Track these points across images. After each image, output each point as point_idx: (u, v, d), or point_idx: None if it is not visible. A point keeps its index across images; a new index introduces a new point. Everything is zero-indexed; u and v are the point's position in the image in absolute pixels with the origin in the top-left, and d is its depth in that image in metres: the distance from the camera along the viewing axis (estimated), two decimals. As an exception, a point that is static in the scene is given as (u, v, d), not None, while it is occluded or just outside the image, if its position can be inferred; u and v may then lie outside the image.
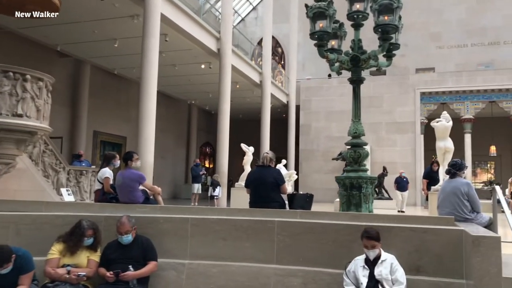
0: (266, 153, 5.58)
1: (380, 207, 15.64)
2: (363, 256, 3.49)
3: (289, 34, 23.69)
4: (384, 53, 6.11)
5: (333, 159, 16.58)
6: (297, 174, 22.56)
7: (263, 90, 18.93)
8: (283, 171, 16.96)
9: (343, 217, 4.35)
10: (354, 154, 5.89)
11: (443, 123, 8.32)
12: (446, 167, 8.88)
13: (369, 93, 21.07)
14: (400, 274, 3.34)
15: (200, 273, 3.87)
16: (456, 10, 22.90)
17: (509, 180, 12.70)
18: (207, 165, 26.03)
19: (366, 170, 5.91)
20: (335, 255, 3.71)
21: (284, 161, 16.94)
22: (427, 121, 20.36)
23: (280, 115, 23.72)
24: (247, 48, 22.96)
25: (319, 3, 5.62)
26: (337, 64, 6.26)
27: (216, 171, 14.88)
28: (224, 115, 14.76)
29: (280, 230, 3.86)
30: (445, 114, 8.57)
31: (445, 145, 8.19)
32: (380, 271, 3.35)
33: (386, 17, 5.52)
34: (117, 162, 5.72)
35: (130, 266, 3.66)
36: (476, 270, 2.95)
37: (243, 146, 12.06)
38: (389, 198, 16.47)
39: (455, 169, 4.48)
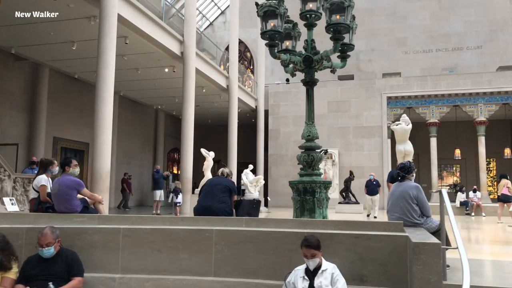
0: (224, 168, 5.55)
1: (346, 212, 15.62)
2: (303, 266, 3.27)
3: (257, 39, 23.55)
4: (339, 54, 5.97)
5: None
6: (266, 179, 22.42)
7: (230, 95, 18.68)
8: (250, 176, 16.74)
9: (290, 224, 4.12)
10: (308, 158, 5.70)
11: (403, 126, 8.24)
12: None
13: (336, 98, 21.21)
14: (341, 284, 3.13)
15: (131, 288, 3.56)
16: (421, 16, 23.33)
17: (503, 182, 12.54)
18: (175, 171, 25.53)
19: (320, 174, 5.72)
20: (276, 266, 3.47)
21: (251, 166, 16.70)
22: (393, 125, 20.57)
23: (249, 120, 23.54)
24: (216, 53, 22.74)
25: (270, 1, 5.41)
26: (291, 66, 6.08)
27: (179, 178, 14.50)
28: (188, 119, 14.40)
29: (218, 239, 3.60)
30: (404, 117, 8.51)
31: (404, 148, 8.11)
32: (320, 282, 3.13)
33: (338, 17, 5.36)
34: (55, 169, 5.34)
35: (50, 283, 3.32)
36: (417, 279, 2.76)
37: (203, 151, 11.76)
38: (356, 202, 16.45)
39: (403, 172, 4.32)
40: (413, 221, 4.09)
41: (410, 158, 8.04)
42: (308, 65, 5.79)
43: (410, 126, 8.30)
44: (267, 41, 5.60)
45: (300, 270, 3.27)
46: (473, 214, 15.27)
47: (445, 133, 20.50)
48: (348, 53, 6.04)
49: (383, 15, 23.80)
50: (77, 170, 5.05)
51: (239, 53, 25.92)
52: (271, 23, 5.55)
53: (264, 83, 23.16)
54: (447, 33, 22.95)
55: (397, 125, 8.48)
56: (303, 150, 5.82)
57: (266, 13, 5.49)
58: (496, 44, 21.82)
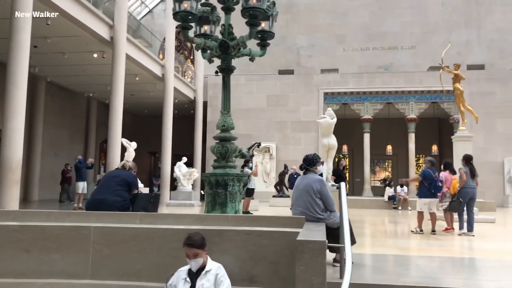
0: (127, 161, 5.14)
1: (280, 205, 15.57)
2: (187, 267, 2.96)
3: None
4: (258, 41, 5.72)
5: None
6: (204, 171, 21.98)
7: (166, 84, 18.04)
8: (183, 169, 16.28)
9: (188, 219, 3.81)
10: (222, 149, 5.40)
11: (327, 120, 8.18)
12: (330, 164, 8.85)
13: (275, 92, 21.17)
14: (225, 286, 2.85)
15: (-10, 295, 3.08)
16: (360, 14, 23.77)
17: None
18: (109, 163, 24.40)
19: (234, 167, 5.44)
20: (160, 266, 3.14)
21: (184, 159, 16.24)
22: (330, 120, 20.86)
23: (187, 111, 22.99)
24: (153, 41, 21.86)
25: (182, -20, 5.03)
26: (209, 52, 5.74)
27: (106, 170, 13.75)
28: (117, 107, 13.66)
29: (97, 238, 3.20)
30: (329, 111, 8.46)
31: (328, 142, 8.06)
32: (202, 284, 2.84)
33: (254, 1, 5.08)
34: None
35: None
36: (300, 280, 2.53)
37: (124, 141, 11.17)
38: (289, 196, 16.45)
39: (306, 164, 4.14)
40: (316, 216, 3.91)
41: (334, 152, 8.01)
42: (224, 51, 5.48)
43: (335, 120, 8.26)
44: (180, 23, 5.23)
45: (183, 271, 2.96)
46: (400, 208, 15.76)
47: (378, 130, 21.09)
48: (269, 41, 5.79)
49: (323, 11, 24.02)
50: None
51: (179, 42, 25.15)
52: (185, 4, 5.20)
53: (204, 74, 22.66)
54: (384, 32, 23.57)
55: (321, 119, 8.40)
56: (218, 141, 5.52)
57: (179, -7, 5.11)
58: (428, 45, 22.69)
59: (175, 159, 18.30)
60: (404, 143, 20.86)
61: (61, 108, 20.38)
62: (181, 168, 15.47)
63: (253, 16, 5.14)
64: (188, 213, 3.94)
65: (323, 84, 20.71)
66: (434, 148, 20.58)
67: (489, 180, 18.59)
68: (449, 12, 22.91)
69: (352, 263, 4.26)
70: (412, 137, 20.16)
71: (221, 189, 5.19)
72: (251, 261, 3.05)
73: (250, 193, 12.56)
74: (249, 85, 21.55)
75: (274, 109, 21.16)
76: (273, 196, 16.78)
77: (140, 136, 26.17)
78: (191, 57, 26.07)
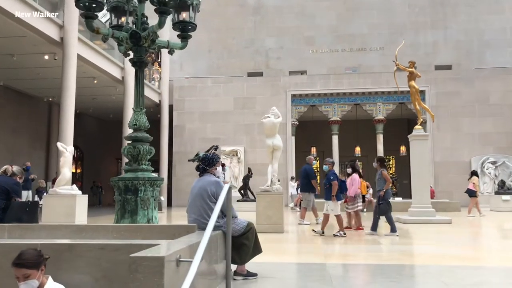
0: (9, 166, 4.66)
1: (244, 209, 15.07)
2: (24, 289, 2.44)
3: (162, 31, 22.38)
4: (179, 33, 5.26)
5: (189, 160, 15.60)
6: (170, 177, 21.38)
7: (126, 87, 17.47)
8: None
9: (63, 231, 3.30)
10: (133, 151, 4.90)
11: (271, 119, 7.75)
12: (276, 166, 8.41)
13: (243, 94, 20.76)
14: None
15: None
16: (328, 16, 23.56)
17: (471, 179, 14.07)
18: (73, 170, 23.57)
19: (148, 170, 4.93)
20: (0, 289, 2.61)
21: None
22: (297, 123, 20.52)
23: (153, 115, 22.27)
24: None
25: (84, -36, 4.53)
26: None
27: (57, 177, 13.05)
28: (68, 110, 13.07)
29: None
30: (274, 110, 8.03)
31: (273, 143, 7.62)
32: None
33: (164, -14, 4.63)
34: None
35: None
36: (134, 307, 2.05)
37: (59, 145, 10.54)
38: (254, 200, 15.98)
39: (205, 164, 3.68)
40: (211, 223, 3.44)
41: (279, 153, 7.59)
42: (135, 43, 4.99)
43: (280, 119, 7.84)
44: (83, 12, 4.73)
45: (18, 294, 2.45)
46: (365, 210, 15.43)
47: (347, 131, 20.84)
48: (190, 33, 5.33)
49: (291, 13, 23.74)
50: None
51: (146, 45, 24.55)
52: (88, -9, 4.70)
53: (170, 77, 22.10)
54: (352, 34, 23.40)
55: (265, 118, 7.97)
56: (130, 142, 5.02)
57: (81, -22, 4.61)
58: (395, 46, 22.36)
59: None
60: (372, 144, 20.63)
61: (18, 113, 19.54)
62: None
63: (162, 3, 4.68)
64: (67, 224, 3.43)
65: (291, 86, 20.38)
66: (403, 149, 20.41)
67: (456, 180, 18.50)
68: (416, 13, 22.88)
69: (256, 275, 3.85)
70: (380, 138, 19.96)
71: (130, 195, 4.69)
72: (105, 280, 2.56)
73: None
74: (216, 87, 21.12)
75: (241, 111, 20.74)
76: (238, 201, 16.28)
77: (107, 141, 25.48)
78: (159, 60, 25.46)
